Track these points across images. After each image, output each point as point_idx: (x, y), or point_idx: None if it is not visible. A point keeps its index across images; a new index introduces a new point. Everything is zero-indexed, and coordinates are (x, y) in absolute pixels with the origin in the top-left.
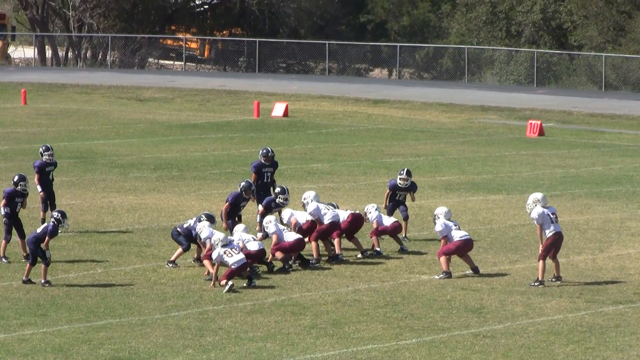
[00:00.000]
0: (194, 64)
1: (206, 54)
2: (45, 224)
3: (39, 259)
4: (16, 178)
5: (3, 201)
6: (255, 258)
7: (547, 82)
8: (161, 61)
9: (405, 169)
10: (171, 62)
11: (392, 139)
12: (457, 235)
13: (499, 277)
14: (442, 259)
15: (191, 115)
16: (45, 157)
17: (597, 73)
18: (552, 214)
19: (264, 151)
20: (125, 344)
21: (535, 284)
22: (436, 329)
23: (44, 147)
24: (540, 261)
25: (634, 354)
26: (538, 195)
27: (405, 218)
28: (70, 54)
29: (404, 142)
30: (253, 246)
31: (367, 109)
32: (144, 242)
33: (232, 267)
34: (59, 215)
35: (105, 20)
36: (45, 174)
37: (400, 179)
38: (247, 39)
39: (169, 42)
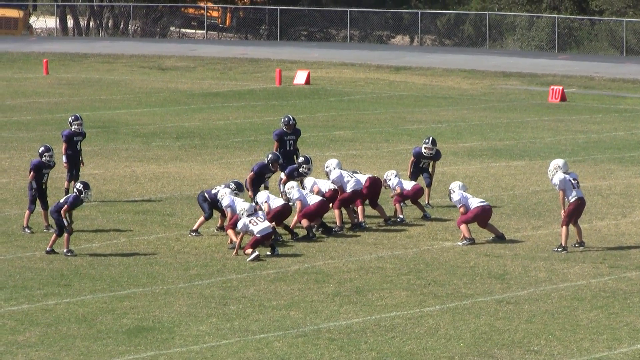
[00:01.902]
0: (215, 33)
1: (228, 22)
2: (69, 195)
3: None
4: (41, 149)
5: (31, 174)
6: (280, 217)
7: (569, 47)
8: (183, 30)
9: (431, 138)
10: (193, 31)
11: (414, 105)
12: (475, 202)
13: (522, 243)
14: (463, 227)
15: (213, 84)
16: (74, 127)
17: (618, 38)
18: (574, 179)
19: (286, 119)
20: (148, 313)
21: (559, 249)
22: (459, 296)
23: (73, 117)
24: (564, 227)
25: None
26: (559, 161)
27: (428, 185)
28: (91, 24)
29: (426, 109)
30: (278, 202)
31: (389, 76)
32: (167, 211)
33: (257, 235)
34: (81, 186)
35: None
36: (72, 143)
37: (425, 147)
38: (269, 7)
39: (191, 10)
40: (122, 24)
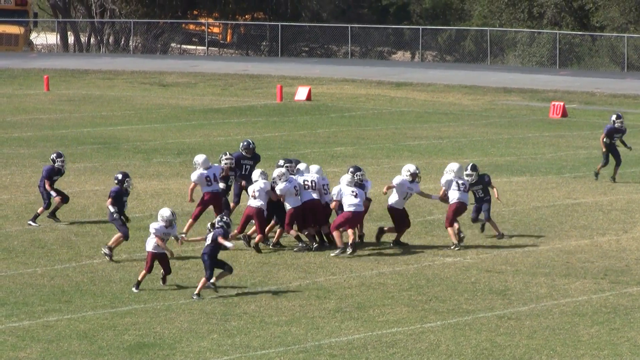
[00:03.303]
0: (216, 49)
1: (228, 38)
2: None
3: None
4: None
5: (109, 200)
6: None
7: (570, 63)
8: (184, 46)
9: (470, 165)
10: (194, 47)
11: (415, 121)
12: (454, 196)
13: (523, 258)
14: (449, 230)
15: (214, 100)
16: (57, 164)
17: (619, 54)
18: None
19: (245, 143)
20: (150, 329)
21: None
22: (461, 312)
23: (56, 154)
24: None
25: None
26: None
27: (487, 219)
28: (92, 40)
29: (426, 125)
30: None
31: (390, 92)
32: None
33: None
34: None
35: (127, 6)
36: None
37: (466, 175)
38: (270, 23)
39: (192, 27)
40: (122, 40)
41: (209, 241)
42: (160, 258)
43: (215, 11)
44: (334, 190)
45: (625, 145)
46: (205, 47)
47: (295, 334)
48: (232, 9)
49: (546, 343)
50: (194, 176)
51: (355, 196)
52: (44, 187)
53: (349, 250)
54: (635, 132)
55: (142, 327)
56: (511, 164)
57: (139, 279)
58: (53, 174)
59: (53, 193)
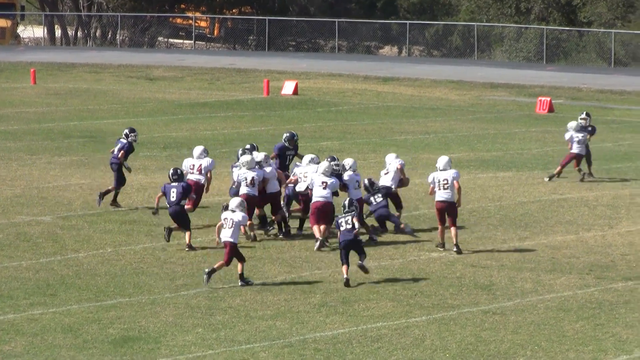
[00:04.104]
0: (203, 43)
1: (216, 32)
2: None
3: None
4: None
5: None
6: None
7: (557, 59)
8: (171, 40)
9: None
10: (181, 41)
11: (402, 116)
12: (438, 196)
13: (508, 254)
14: (439, 229)
15: (201, 94)
16: (131, 138)
17: (607, 49)
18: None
19: (289, 135)
20: (135, 323)
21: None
22: (446, 306)
23: (129, 129)
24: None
25: None
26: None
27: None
28: (79, 33)
29: (413, 120)
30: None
31: (377, 86)
32: (154, 221)
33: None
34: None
35: None
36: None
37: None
38: (257, 17)
39: (179, 20)
40: (110, 33)
41: None
42: (235, 247)
43: (202, 5)
44: (308, 180)
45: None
46: (192, 41)
47: (280, 328)
48: (219, 3)
49: (531, 338)
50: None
51: (324, 187)
52: (119, 163)
53: (316, 246)
54: (621, 127)
55: (127, 321)
56: (497, 159)
57: (215, 267)
58: (131, 149)
59: (127, 165)
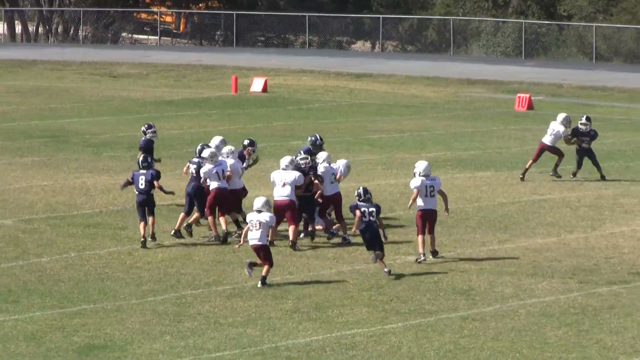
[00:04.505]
0: (169, 39)
1: (182, 27)
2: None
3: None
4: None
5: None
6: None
7: (536, 53)
8: (135, 36)
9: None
10: (145, 37)
11: (376, 114)
12: (420, 203)
13: (487, 257)
14: (419, 239)
15: (166, 92)
16: (149, 135)
17: (588, 44)
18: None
19: (313, 139)
20: (100, 330)
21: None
22: (423, 312)
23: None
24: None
25: (629, 336)
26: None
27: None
28: (40, 29)
29: (387, 118)
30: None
31: (349, 83)
32: (119, 225)
33: None
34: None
35: None
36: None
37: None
38: (224, 11)
39: (143, 15)
40: (72, 29)
41: None
42: (265, 249)
43: None
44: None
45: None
46: (157, 37)
47: (251, 336)
48: None
49: (512, 345)
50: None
51: (283, 185)
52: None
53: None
54: (603, 125)
55: (91, 329)
56: (475, 158)
57: (264, 274)
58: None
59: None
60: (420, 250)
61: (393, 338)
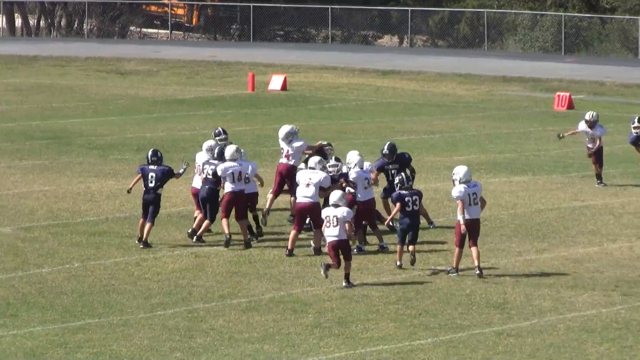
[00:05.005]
0: (180, 33)
1: (194, 21)
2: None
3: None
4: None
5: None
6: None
7: (577, 49)
8: (144, 30)
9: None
10: (155, 31)
11: (403, 114)
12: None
13: (524, 268)
14: (456, 252)
15: (178, 90)
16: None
17: (632, 39)
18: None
19: (388, 146)
20: (105, 347)
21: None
22: (454, 327)
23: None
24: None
25: None
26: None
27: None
28: (42, 23)
29: (416, 118)
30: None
31: (375, 81)
32: (126, 233)
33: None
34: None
35: None
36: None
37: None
38: (240, 3)
39: (153, 8)
40: (76, 23)
41: None
42: (345, 245)
43: None
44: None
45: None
46: (168, 31)
47: (268, 352)
48: None
49: None
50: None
51: (307, 186)
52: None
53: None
54: None
55: (96, 345)
56: (511, 162)
57: (347, 271)
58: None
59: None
60: (455, 264)
61: (422, 355)
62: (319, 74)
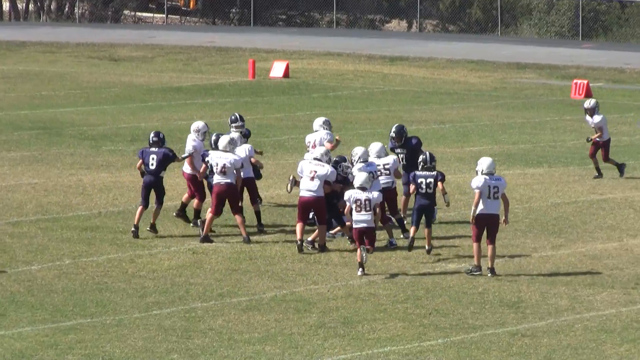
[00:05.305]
0: (177, 17)
1: (192, 4)
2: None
3: None
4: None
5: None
6: None
7: (595, 34)
8: (138, 14)
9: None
10: (150, 15)
11: (412, 103)
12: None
13: (539, 265)
14: (474, 247)
15: (174, 77)
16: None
17: None
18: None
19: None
20: (98, 348)
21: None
22: (466, 327)
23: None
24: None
25: None
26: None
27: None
28: (31, 7)
29: (426, 107)
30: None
31: (383, 68)
32: (120, 228)
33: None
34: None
35: None
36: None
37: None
38: None
39: None
40: (67, 6)
41: None
42: (371, 233)
43: None
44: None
45: None
46: (164, 15)
47: (270, 354)
48: None
49: None
50: None
51: (312, 179)
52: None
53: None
54: None
55: (88, 346)
56: (526, 153)
57: (359, 260)
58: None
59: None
60: (477, 261)
61: (432, 357)
62: (323, 61)
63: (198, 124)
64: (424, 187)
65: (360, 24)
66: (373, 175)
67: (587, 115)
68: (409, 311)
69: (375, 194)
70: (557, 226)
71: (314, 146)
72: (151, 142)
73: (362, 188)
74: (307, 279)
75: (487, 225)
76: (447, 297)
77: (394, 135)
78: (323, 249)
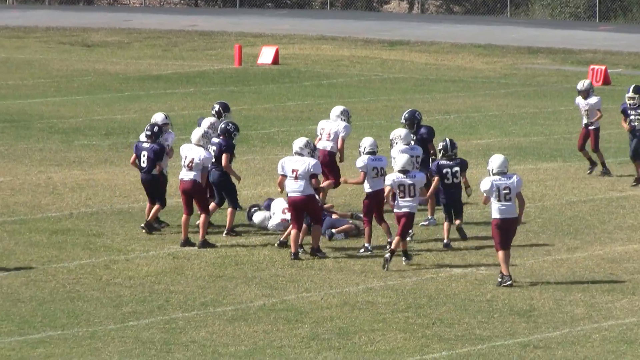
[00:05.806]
0: None
1: None
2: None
3: None
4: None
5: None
6: None
7: (613, 15)
8: None
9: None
10: None
11: (414, 91)
12: (495, 209)
13: (553, 269)
14: (499, 255)
15: (153, 64)
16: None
17: None
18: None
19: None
20: None
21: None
22: (473, 339)
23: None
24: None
25: None
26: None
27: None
28: None
29: (428, 96)
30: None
31: (381, 53)
32: (93, 231)
33: None
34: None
35: None
36: None
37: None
38: None
39: None
40: None
41: None
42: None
43: None
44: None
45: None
46: None
47: None
48: None
49: None
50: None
51: (295, 179)
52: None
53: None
54: None
55: None
56: (538, 146)
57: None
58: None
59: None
60: (504, 270)
61: None
62: (316, 46)
63: (156, 117)
64: (450, 176)
65: (357, 5)
66: (378, 170)
67: (580, 98)
68: (410, 321)
69: (422, 176)
70: (573, 226)
71: (328, 136)
72: (145, 134)
73: (404, 171)
74: (299, 286)
75: (502, 230)
76: (452, 306)
77: (404, 121)
78: (316, 252)
